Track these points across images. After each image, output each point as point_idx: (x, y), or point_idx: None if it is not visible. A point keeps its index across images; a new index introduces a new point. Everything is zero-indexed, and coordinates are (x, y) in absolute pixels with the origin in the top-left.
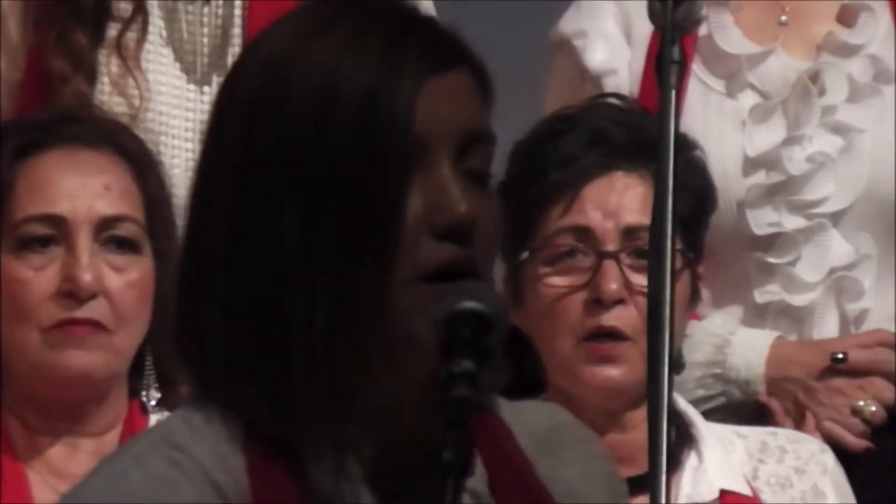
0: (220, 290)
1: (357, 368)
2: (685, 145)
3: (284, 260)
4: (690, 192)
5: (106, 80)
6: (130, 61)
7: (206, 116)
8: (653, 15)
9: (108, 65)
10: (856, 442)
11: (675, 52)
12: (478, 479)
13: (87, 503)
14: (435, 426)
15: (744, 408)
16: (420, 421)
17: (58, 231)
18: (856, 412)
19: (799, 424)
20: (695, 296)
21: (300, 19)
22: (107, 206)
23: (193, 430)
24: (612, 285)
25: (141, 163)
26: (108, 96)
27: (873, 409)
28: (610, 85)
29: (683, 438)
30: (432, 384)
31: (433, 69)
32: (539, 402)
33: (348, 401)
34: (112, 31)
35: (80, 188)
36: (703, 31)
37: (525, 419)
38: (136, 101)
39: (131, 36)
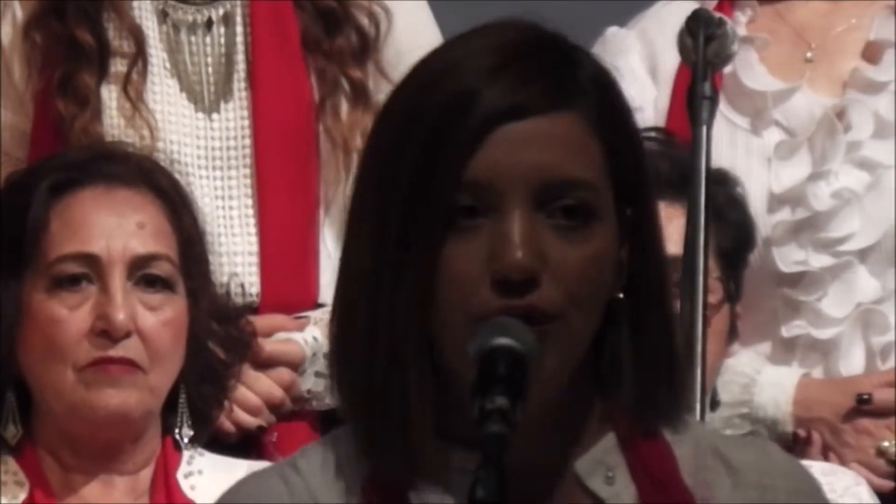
0: (337, 315)
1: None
2: (727, 181)
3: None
4: (732, 227)
5: (115, 114)
6: (136, 98)
7: (216, 144)
8: (684, 51)
9: (118, 99)
10: (881, 483)
11: (707, 88)
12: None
13: None
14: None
15: None
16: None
17: (92, 270)
18: (881, 452)
19: None
20: (732, 332)
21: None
22: (141, 245)
23: (324, 459)
24: None
25: (175, 201)
26: (118, 130)
27: None
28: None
29: None
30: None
31: (505, 117)
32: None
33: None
34: (116, 66)
35: (115, 227)
36: (728, 68)
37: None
38: (147, 134)
39: (135, 71)
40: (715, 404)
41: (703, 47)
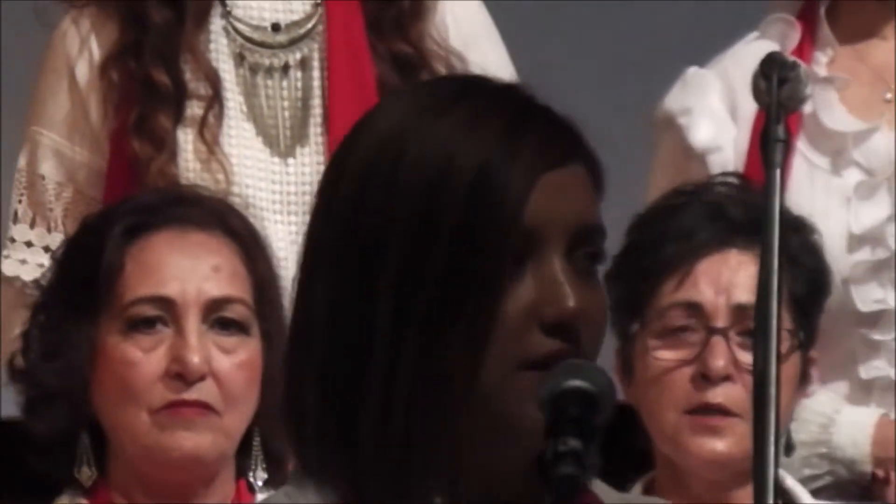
0: (318, 362)
1: (444, 446)
2: (803, 227)
3: (375, 336)
4: (806, 274)
5: (191, 157)
6: (212, 141)
7: (291, 189)
8: (757, 94)
9: (194, 142)
10: None
11: (780, 131)
12: None
13: None
14: None
15: (851, 486)
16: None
17: (167, 312)
18: None
19: None
20: (805, 378)
21: (419, 96)
22: (216, 288)
23: None
24: (720, 362)
25: (249, 243)
26: (194, 174)
27: None
28: (715, 162)
29: None
30: (530, 466)
31: (550, 163)
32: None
33: (436, 478)
34: (192, 109)
35: (190, 270)
36: (808, 108)
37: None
38: (222, 178)
39: (211, 114)
40: (789, 448)
41: (777, 90)
